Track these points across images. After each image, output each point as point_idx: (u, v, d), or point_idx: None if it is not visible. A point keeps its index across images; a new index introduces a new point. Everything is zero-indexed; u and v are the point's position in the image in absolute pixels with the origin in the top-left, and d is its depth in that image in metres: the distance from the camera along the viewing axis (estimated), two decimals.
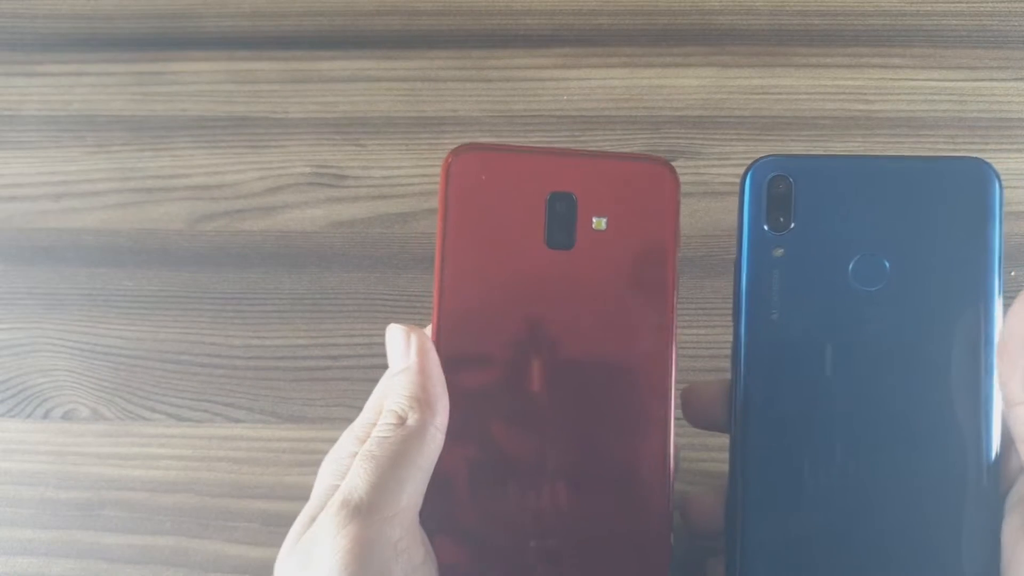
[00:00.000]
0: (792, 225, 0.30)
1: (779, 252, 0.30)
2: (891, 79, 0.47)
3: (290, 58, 0.49)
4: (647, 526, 0.30)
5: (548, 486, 0.30)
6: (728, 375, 0.31)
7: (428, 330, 0.31)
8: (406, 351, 0.29)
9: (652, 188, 0.31)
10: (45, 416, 0.44)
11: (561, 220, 0.30)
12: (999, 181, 0.29)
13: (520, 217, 0.30)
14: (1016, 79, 0.47)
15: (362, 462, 0.28)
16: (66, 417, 0.44)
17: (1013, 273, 0.44)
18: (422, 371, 0.29)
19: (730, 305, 0.44)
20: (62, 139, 0.49)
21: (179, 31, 0.50)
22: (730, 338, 0.43)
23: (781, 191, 0.30)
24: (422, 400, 0.28)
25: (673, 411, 0.31)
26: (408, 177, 0.47)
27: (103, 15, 0.51)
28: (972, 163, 0.30)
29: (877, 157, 0.31)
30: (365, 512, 0.26)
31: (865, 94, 0.47)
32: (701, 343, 0.43)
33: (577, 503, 0.30)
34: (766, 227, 0.30)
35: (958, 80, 0.47)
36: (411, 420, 0.28)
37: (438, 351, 0.30)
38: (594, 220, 0.30)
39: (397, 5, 0.50)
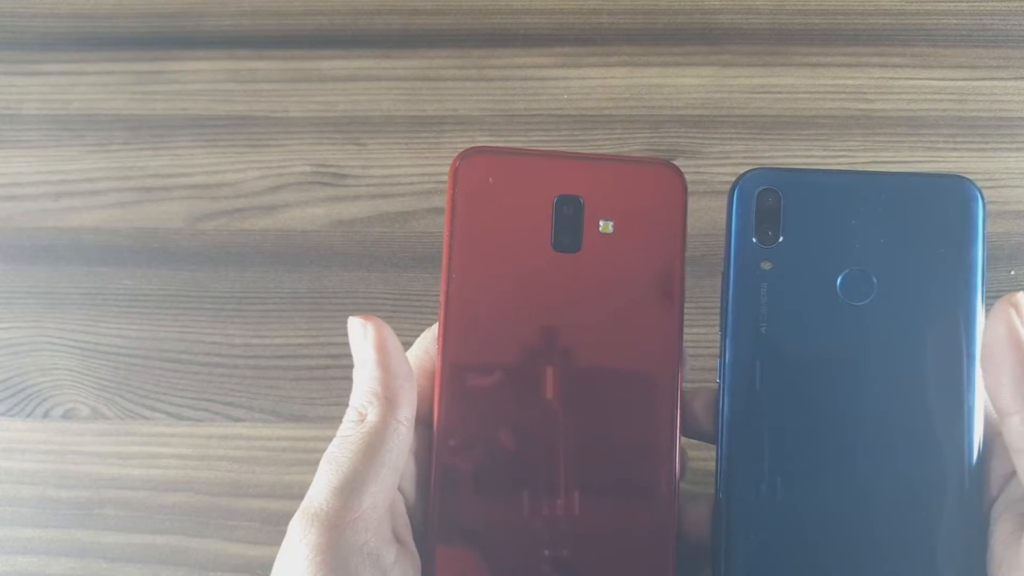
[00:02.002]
0: (780, 239, 0.30)
1: (767, 265, 0.30)
2: (891, 78, 0.47)
3: (290, 57, 0.49)
4: (653, 529, 0.30)
5: (555, 490, 0.30)
6: (711, 384, 0.31)
7: (434, 330, 0.31)
8: (364, 344, 0.28)
9: (659, 191, 0.31)
10: (45, 415, 0.44)
11: (568, 223, 0.30)
12: (982, 200, 0.30)
13: (527, 220, 0.30)
14: (1016, 78, 0.47)
15: (323, 465, 0.27)
16: (66, 416, 0.44)
17: (1013, 272, 0.44)
18: (380, 364, 0.28)
19: None
20: (62, 138, 0.49)
21: (179, 30, 0.50)
22: None
23: (770, 204, 0.30)
24: (380, 395, 0.28)
25: (679, 414, 0.31)
26: (408, 176, 0.47)
27: (103, 14, 0.51)
28: (956, 181, 0.30)
29: (865, 172, 0.32)
30: (323, 519, 0.26)
31: (865, 93, 0.47)
32: (701, 342, 0.43)
33: (584, 507, 0.30)
34: (754, 240, 0.30)
35: (958, 79, 0.47)
36: (371, 417, 0.28)
37: (445, 354, 0.30)
38: (601, 223, 0.30)
39: (397, 4, 0.50)
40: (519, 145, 0.47)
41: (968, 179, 0.30)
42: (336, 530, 0.26)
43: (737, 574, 0.29)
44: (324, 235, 0.46)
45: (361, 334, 0.29)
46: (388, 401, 0.28)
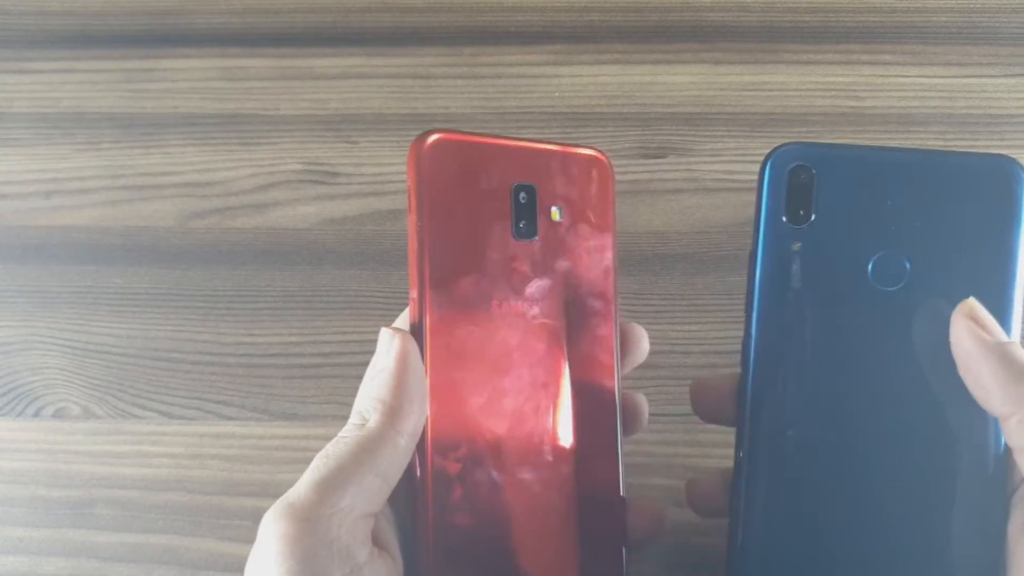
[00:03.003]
0: (812, 218, 0.29)
1: (797, 246, 0.29)
2: (881, 76, 0.48)
3: (281, 55, 0.49)
4: (600, 492, 0.31)
5: (514, 463, 0.30)
6: (736, 369, 0.31)
7: (406, 314, 0.31)
8: (386, 354, 0.28)
9: (593, 177, 0.32)
10: (36, 414, 0.44)
11: (525, 211, 0.31)
12: None
13: (487, 207, 0.30)
14: (1005, 75, 0.47)
15: (316, 461, 0.27)
16: (57, 415, 0.44)
17: None
18: (396, 375, 0.28)
19: (720, 302, 0.44)
20: (52, 136, 0.49)
21: (170, 28, 0.50)
22: (721, 334, 0.43)
23: (802, 181, 0.29)
24: (387, 403, 0.28)
25: (619, 384, 0.32)
26: (400, 174, 0.47)
27: (93, 12, 0.51)
28: (999, 160, 0.29)
29: (903, 149, 0.30)
30: (297, 510, 0.26)
31: (856, 91, 0.47)
32: (693, 339, 0.43)
33: (538, 476, 0.31)
34: (784, 219, 0.29)
35: (948, 76, 0.47)
36: (372, 422, 0.28)
37: (426, 342, 0.29)
38: (552, 210, 0.31)
39: (388, 2, 0.50)
40: None
41: (1011, 158, 0.29)
42: (307, 523, 0.26)
43: (755, 554, 0.29)
44: (316, 233, 0.46)
45: (387, 344, 0.29)
46: (392, 410, 0.28)
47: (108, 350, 0.45)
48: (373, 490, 0.27)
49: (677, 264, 0.45)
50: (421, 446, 0.29)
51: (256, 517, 0.42)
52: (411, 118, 0.48)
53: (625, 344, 0.33)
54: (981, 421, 0.28)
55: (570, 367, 0.31)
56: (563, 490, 0.31)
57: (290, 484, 0.42)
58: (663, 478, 0.41)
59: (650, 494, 0.40)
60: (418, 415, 0.28)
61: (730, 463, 0.30)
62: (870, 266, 0.29)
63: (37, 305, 0.46)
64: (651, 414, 0.41)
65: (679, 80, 0.48)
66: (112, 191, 0.48)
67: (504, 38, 0.49)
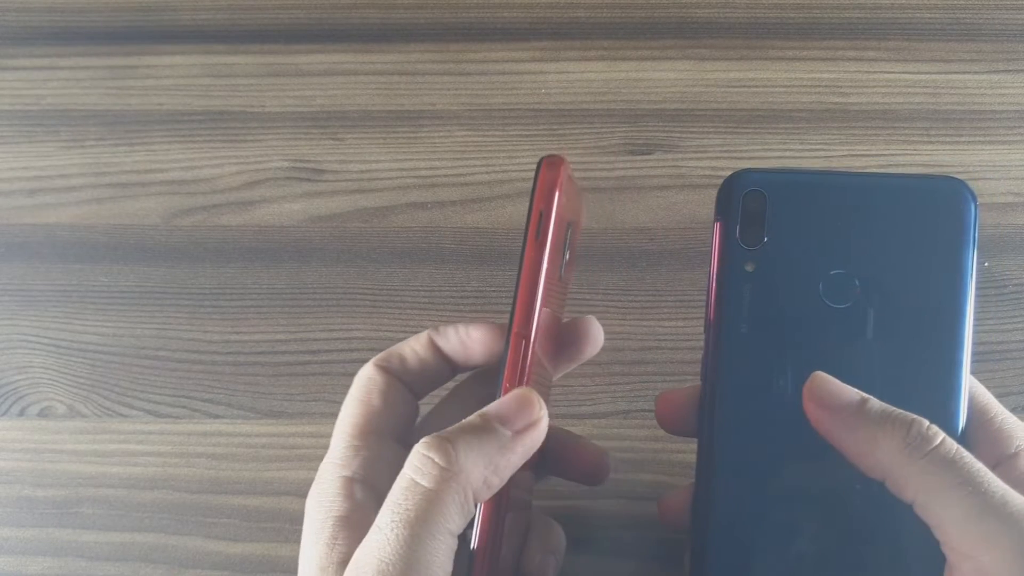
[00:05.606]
0: (765, 239, 0.30)
1: (751, 267, 0.30)
2: (866, 72, 0.48)
3: (267, 51, 0.49)
4: None
5: None
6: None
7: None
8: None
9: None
10: (21, 414, 0.44)
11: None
12: (975, 203, 0.29)
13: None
14: (989, 72, 0.48)
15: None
16: (42, 414, 0.44)
17: (987, 264, 0.44)
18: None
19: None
20: (35, 134, 0.48)
21: (154, 24, 0.50)
22: None
23: (755, 206, 0.30)
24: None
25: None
26: (386, 171, 0.47)
27: (76, 8, 0.50)
28: (949, 183, 0.30)
29: (855, 174, 0.31)
30: None
31: (841, 87, 0.48)
32: (679, 335, 0.43)
33: None
34: (739, 241, 0.30)
35: (932, 73, 0.48)
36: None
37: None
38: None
39: None
40: (497, 139, 0.47)
41: (961, 180, 0.30)
42: None
43: (715, 565, 0.29)
44: (302, 231, 0.46)
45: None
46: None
47: (94, 349, 0.45)
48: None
49: (664, 260, 0.45)
50: None
51: (243, 515, 0.42)
52: (397, 114, 0.48)
53: (577, 336, 0.33)
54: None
55: None
56: None
57: (277, 482, 0.42)
58: (650, 473, 0.41)
59: (637, 490, 0.40)
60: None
61: None
62: (821, 285, 0.30)
63: (21, 304, 0.46)
64: (638, 410, 0.42)
65: (665, 76, 0.48)
66: (97, 189, 0.47)
67: (490, 34, 0.49)
